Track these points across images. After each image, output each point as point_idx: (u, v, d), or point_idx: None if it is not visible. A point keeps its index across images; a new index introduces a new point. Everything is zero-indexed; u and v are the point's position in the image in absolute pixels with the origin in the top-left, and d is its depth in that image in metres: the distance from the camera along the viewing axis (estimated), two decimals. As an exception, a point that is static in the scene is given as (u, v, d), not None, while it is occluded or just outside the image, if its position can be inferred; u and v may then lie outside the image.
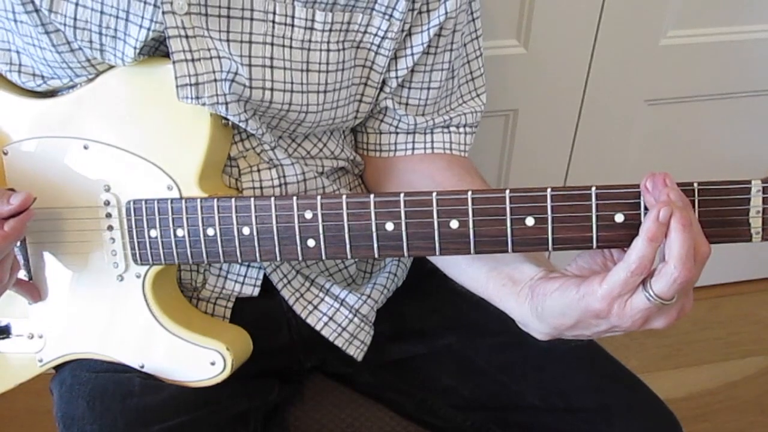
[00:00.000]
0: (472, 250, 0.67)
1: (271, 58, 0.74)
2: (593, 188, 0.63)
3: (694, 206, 0.61)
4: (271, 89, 0.75)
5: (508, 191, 0.65)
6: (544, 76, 1.32)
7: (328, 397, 0.98)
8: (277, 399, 0.93)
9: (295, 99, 0.76)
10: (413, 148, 0.88)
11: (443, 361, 0.95)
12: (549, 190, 0.64)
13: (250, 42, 0.73)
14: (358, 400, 0.98)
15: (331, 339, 0.88)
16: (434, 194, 0.66)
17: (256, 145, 0.80)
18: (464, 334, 0.95)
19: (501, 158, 1.42)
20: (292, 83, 0.75)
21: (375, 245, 0.69)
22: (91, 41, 0.72)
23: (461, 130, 0.89)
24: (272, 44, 0.74)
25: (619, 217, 0.63)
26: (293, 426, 0.95)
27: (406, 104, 0.86)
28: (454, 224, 0.66)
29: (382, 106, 0.86)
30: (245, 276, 0.85)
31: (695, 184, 0.61)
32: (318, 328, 0.88)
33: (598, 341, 0.94)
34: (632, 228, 0.61)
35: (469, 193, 0.66)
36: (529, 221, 0.64)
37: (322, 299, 0.89)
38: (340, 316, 0.88)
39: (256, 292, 0.86)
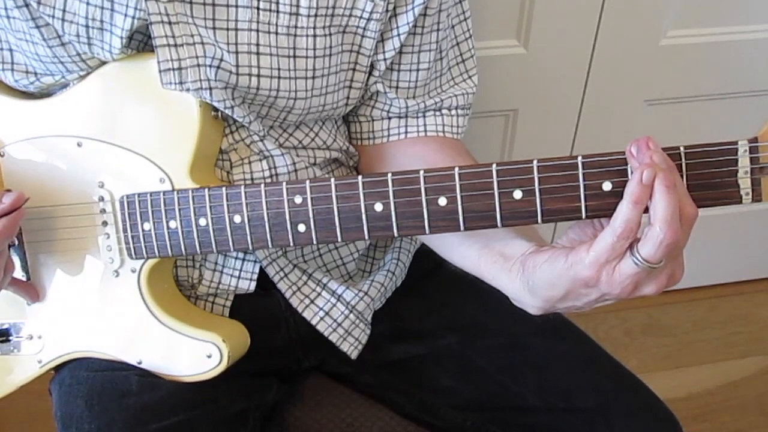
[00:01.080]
0: (461, 227, 0.66)
1: (257, 45, 0.74)
2: (579, 158, 0.62)
3: (681, 170, 0.61)
4: (258, 75, 0.75)
5: (494, 165, 0.64)
6: (544, 76, 1.32)
7: (328, 396, 0.97)
8: (275, 398, 0.92)
9: (283, 85, 0.76)
10: (406, 132, 0.88)
11: (443, 361, 0.94)
12: (535, 161, 0.63)
13: (236, 29, 0.73)
14: (357, 400, 0.97)
15: (326, 334, 0.88)
16: (421, 172, 0.66)
17: (246, 137, 0.80)
18: (464, 334, 0.94)
19: (501, 158, 1.42)
20: (279, 69, 0.75)
21: (365, 226, 0.69)
22: (78, 35, 0.72)
23: (453, 112, 0.88)
24: (257, 31, 0.74)
25: (606, 186, 0.62)
26: (292, 426, 0.94)
27: (397, 87, 0.86)
28: (442, 201, 0.66)
29: (373, 91, 0.86)
30: (241, 270, 0.85)
31: (681, 148, 0.61)
32: (314, 322, 0.88)
33: (597, 341, 0.93)
34: (620, 196, 0.60)
35: (456, 169, 0.65)
36: (517, 194, 0.64)
37: (319, 294, 0.88)
38: (336, 311, 0.88)
39: (253, 286, 0.85)
